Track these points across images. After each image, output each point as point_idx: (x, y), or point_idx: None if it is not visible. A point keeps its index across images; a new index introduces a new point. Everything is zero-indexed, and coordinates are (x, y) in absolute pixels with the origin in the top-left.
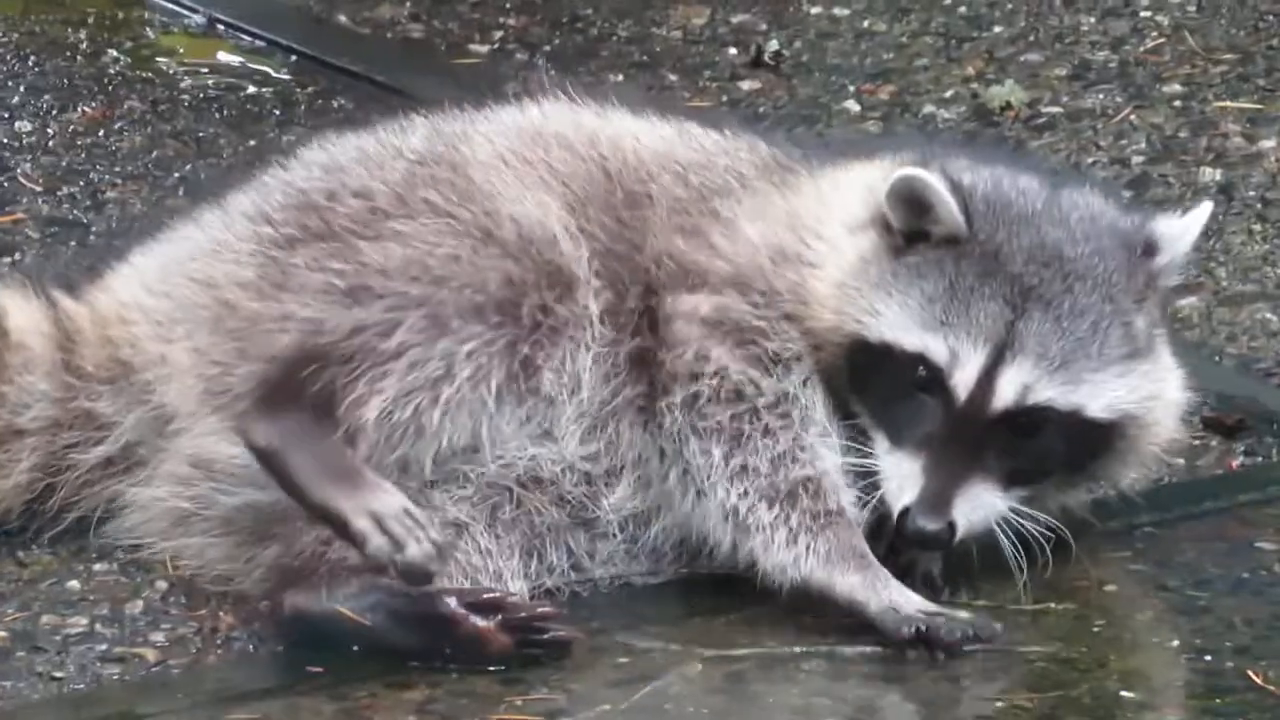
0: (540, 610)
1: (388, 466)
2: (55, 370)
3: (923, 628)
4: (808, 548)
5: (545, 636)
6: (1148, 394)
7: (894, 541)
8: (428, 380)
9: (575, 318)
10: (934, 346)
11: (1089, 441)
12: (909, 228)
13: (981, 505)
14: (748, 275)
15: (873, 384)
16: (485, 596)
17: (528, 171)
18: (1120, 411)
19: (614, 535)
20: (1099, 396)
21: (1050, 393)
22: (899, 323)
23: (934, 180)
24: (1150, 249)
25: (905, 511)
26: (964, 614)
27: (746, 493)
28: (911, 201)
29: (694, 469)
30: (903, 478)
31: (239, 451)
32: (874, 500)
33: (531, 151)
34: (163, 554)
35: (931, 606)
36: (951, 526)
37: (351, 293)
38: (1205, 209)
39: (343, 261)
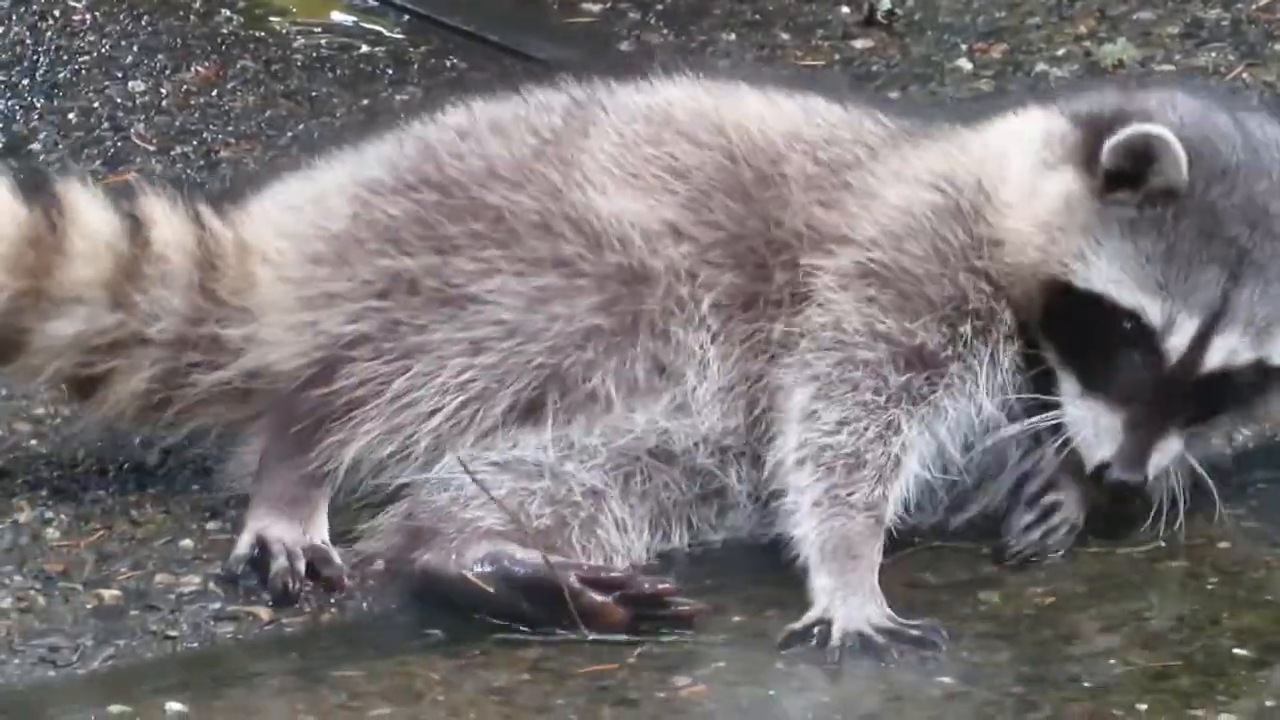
0: (661, 587)
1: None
2: (191, 290)
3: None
4: (815, 528)
5: (665, 612)
6: None
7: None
8: (416, 417)
9: (670, 312)
10: (1150, 309)
11: (1262, 386)
12: (1119, 170)
13: (1169, 455)
14: (895, 233)
15: (1068, 328)
16: (605, 575)
17: (644, 168)
18: None
19: (742, 505)
20: None
21: (1251, 353)
22: (1112, 276)
23: (1173, 139)
24: None
25: (1105, 465)
26: (914, 632)
27: (804, 444)
28: (1139, 154)
29: (783, 410)
30: (1100, 430)
31: None
32: (1055, 442)
33: (655, 146)
34: None
35: (888, 625)
36: (1146, 478)
37: (391, 323)
38: None
39: (417, 232)
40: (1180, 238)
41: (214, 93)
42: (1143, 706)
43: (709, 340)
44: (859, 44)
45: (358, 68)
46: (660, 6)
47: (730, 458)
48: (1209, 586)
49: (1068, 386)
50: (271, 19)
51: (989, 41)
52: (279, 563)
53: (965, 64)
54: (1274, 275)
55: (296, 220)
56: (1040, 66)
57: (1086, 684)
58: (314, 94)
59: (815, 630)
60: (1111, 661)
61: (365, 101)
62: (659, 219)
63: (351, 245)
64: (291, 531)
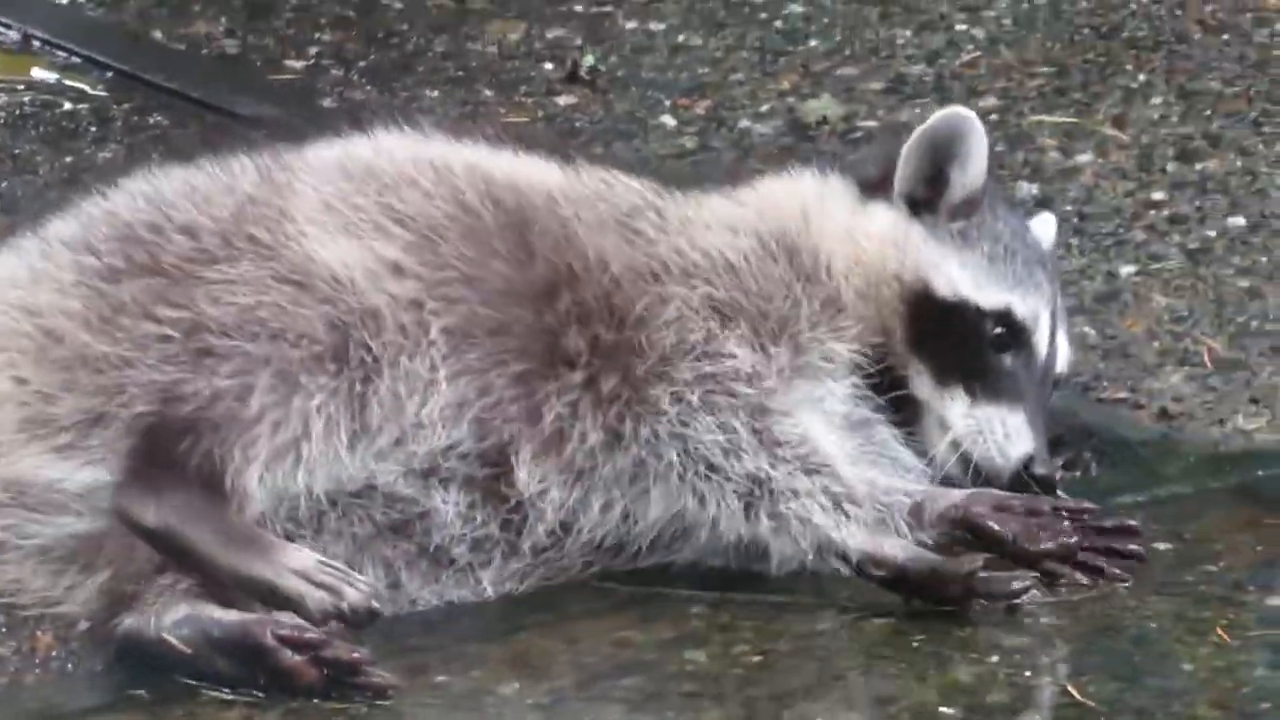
0: (354, 656)
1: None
2: None
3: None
4: (849, 515)
5: (360, 680)
6: None
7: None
8: (290, 441)
9: (399, 344)
10: (1016, 304)
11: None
12: (914, 191)
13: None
14: (718, 272)
15: (938, 342)
16: (301, 635)
17: (354, 216)
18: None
19: (447, 528)
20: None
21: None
22: (972, 280)
23: (979, 123)
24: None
25: (1030, 459)
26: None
27: (778, 462)
28: (938, 149)
29: (705, 445)
30: (1011, 429)
31: (56, 478)
32: (953, 455)
33: (363, 195)
34: None
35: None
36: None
37: (198, 354)
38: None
39: (173, 309)
40: (1003, 239)
41: None
42: None
43: (439, 360)
44: (562, 100)
45: (60, 125)
46: (363, 63)
47: (436, 483)
48: (915, 644)
49: (953, 403)
50: None
51: (692, 97)
52: (351, 592)
53: (669, 120)
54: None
55: (19, 296)
56: (744, 122)
57: None
58: (16, 151)
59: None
60: None
61: (69, 159)
62: (377, 259)
63: (103, 321)
64: (307, 558)
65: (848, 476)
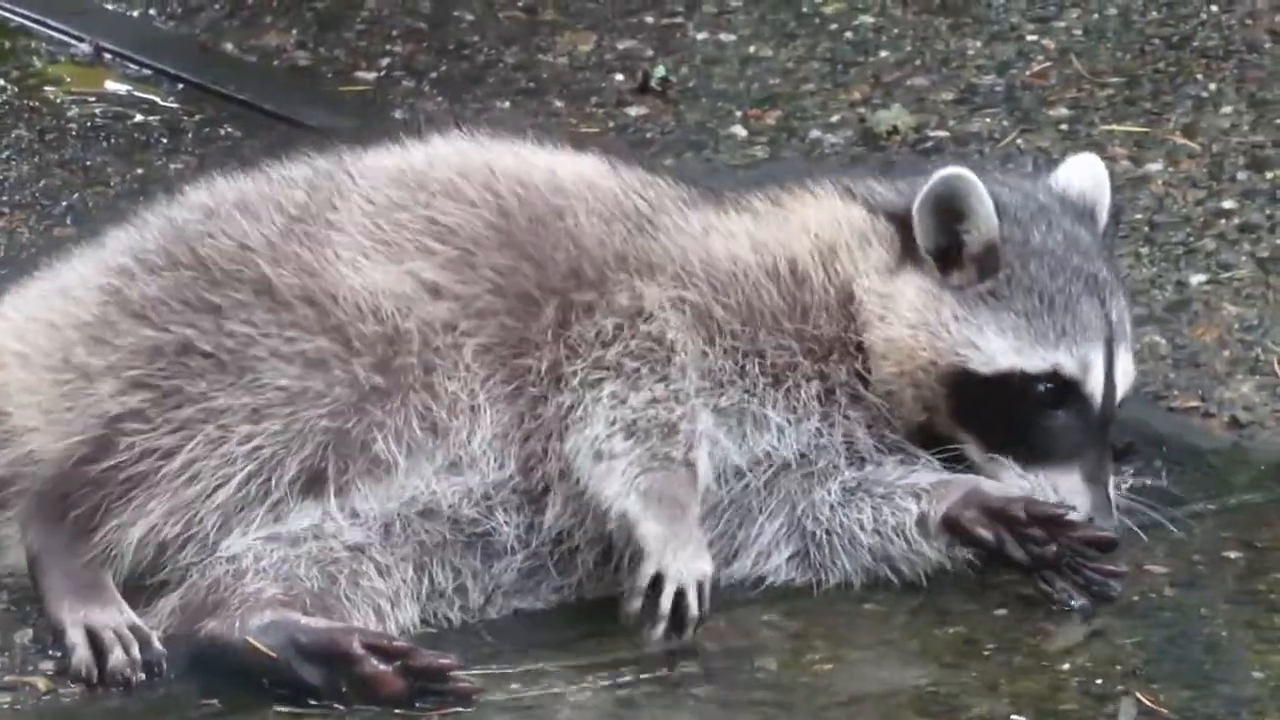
0: (443, 662)
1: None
2: None
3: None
4: (637, 478)
5: (445, 686)
6: None
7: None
8: (202, 492)
9: (431, 366)
10: (1064, 361)
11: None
12: (937, 246)
13: (1114, 494)
14: (714, 279)
15: (984, 413)
16: (390, 643)
17: (398, 234)
18: None
19: (509, 551)
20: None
21: (1134, 368)
22: (1009, 347)
23: (976, 180)
24: (1095, 215)
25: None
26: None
27: (615, 420)
28: (946, 209)
29: (584, 409)
30: (1066, 493)
31: None
32: None
33: (410, 210)
34: None
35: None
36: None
37: (166, 392)
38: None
39: (178, 308)
40: (1039, 285)
41: None
42: None
43: (478, 386)
44: (633, 111)
45: (132, 137)
46: (434, 75)
47: (497, 505)
48: (986, 652)
49: (1005, 471)
50: (46, 88)
51: (763, 108)
52: (116, 656)
53: (740, 130)
54: (1118, 287)
55: (40, 316)
56: (815, 133)
57: None
58: (88, 163)
59: (656, 589)
60: None
61: (140, 170)
62: (414, 282)
63: (106, 327)
64: (111, 615)
65: (676, 443)
